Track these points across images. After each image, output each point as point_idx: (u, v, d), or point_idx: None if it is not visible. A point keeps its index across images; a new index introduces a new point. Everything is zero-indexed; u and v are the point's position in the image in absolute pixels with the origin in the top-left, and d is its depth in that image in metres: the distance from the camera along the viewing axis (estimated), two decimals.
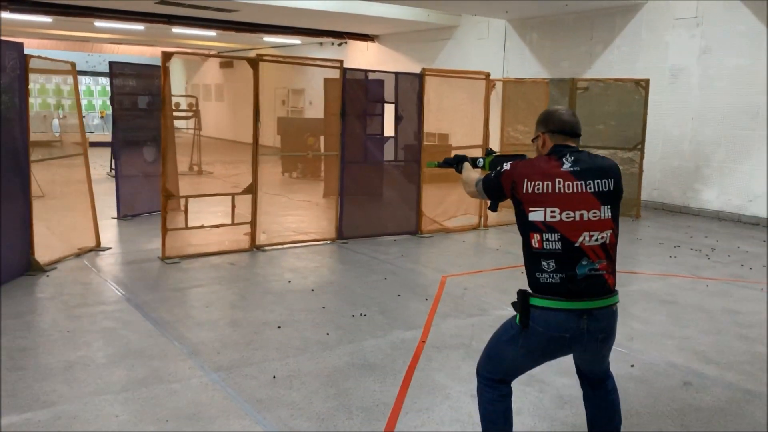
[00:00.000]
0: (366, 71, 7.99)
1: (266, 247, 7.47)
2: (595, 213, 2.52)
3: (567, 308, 2.50)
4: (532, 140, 2.82)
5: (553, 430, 3.42)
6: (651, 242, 8.53)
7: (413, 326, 4.97)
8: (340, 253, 7.47)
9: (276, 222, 8.78)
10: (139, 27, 16.94)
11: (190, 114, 15.60)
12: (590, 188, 2.53)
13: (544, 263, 2.54)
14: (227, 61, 23.96)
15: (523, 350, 2.63)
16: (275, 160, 14.14)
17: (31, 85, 6.19)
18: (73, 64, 7.08)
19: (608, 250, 2.58)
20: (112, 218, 9.00)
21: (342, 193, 7.82)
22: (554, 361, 2.79)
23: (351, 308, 5.36)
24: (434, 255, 7.51)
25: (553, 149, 2.65)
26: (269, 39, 19.23)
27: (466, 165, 3.19)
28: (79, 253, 6.96)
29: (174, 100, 22.39)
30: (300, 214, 9.67)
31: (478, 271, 6.76)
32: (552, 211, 2.50)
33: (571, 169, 2.55)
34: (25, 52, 6.05)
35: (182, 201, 9.49)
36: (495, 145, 10.54)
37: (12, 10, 13.63)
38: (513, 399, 2.81)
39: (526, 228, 2.59)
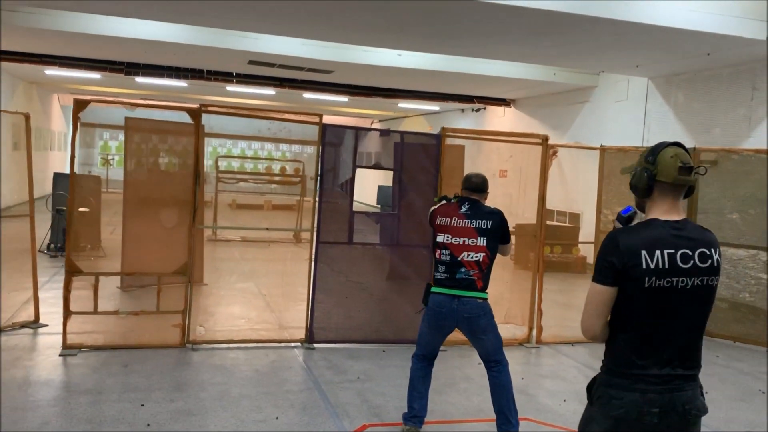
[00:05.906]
0: (357, 129, 6.24)
1: (203, 345, 5.92)
2: (473, 241, 4.14)
3: (446, 293, 4.11)
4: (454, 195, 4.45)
5: None
6: None
7: None
8: (285, 362, 5.64)
9: (235, 313, 7.23)
10: (270, 92, 16.85)
11: (296, 180, 14.95)
12: (473, 225, 4.17)
13: (440, 267, 4.19)
14: (384, 129, 23.52)
15: (426, 324, 4.21)
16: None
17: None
18: (27, 116, 6.37)
19: (480, 266, 4.13)
20: (117, 287, 8.13)
21: (314, 284, 6.05)
22: None
23: None
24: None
25: (459, 199, 4.33)
26: (405, 105, 18.14)
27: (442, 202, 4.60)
28: (7, 329, 6.05)
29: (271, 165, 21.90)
30: (284, 304, 7.54)
31: (450, 421, 4.53)
32: (447, 237, 4.18)
33: (464, 211, 4.22)
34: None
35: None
36: (591, 234, 8.06)
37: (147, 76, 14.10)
38: None
39: (433, 245, 4.28)
